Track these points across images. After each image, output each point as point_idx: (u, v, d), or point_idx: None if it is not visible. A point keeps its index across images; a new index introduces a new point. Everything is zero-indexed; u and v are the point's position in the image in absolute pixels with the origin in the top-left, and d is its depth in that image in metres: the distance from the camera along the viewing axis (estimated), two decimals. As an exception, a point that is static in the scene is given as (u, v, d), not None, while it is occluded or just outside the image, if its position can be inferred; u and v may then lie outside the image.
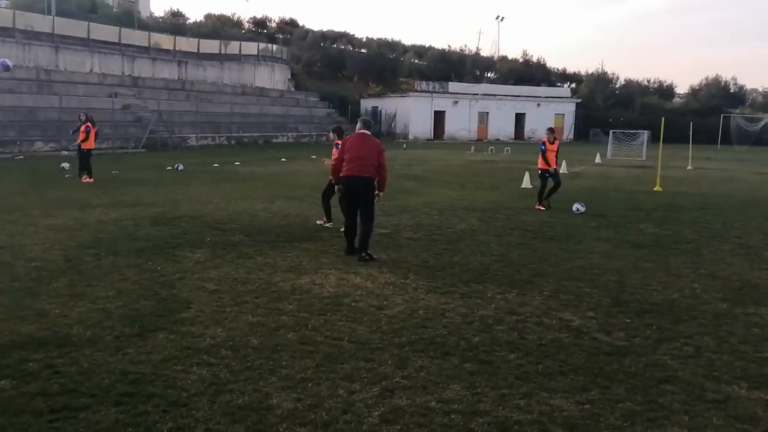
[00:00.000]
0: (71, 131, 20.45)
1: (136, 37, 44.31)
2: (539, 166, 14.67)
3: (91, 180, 17.73)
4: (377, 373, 4.98)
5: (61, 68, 36.95)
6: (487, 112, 61.06)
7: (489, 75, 76.96)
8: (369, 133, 9.31)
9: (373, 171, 8.86)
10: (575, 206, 13.95)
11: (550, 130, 15.09)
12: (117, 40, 41.62)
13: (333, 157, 11.57)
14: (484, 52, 79.82)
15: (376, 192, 9.09)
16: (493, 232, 11.41)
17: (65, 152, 28.64)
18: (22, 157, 26.25)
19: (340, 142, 11.64)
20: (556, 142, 14.81)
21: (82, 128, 18.24)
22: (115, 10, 60.61)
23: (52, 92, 32.52)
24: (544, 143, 14.56)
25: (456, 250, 9.79)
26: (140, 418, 4.17)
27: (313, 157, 30.26)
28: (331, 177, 9.37)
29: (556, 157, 14.78)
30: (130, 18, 52.49)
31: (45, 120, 30.69)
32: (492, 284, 7.76)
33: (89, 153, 18.14)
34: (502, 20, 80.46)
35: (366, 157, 8.85)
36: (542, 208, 14.24)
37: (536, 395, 4.67)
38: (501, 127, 60.87)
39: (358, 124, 9.47)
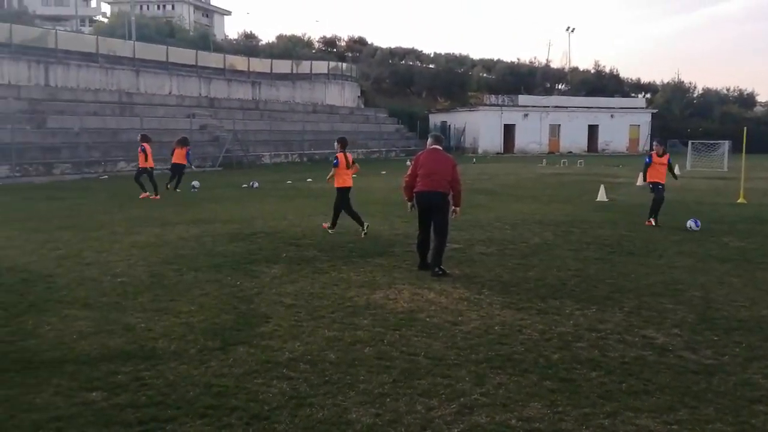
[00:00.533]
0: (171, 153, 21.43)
1: (212, 59, 45.87)
2: (648, 179, 13.95)
3: (147, 195, 18.44)
4: (455, 389, 4.95)
5: (142, 91, 38.56)
6: (559, 125, 60.11)
7: (560, 87, 75.93)
8: (440, 148, 9.31)
9: (446, 186, 8.86)
10: (689, 223, 13.05)
11: (659, 142, 14.39)
12: (194, 63, 43.17)
13: (333, 173, 12.22)
14: (555, 64, 78.90)
15: (453, 208, 9.08)
16: (568, 246, 11.19)
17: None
18: (106, 176, 27.47)
19: (339, 155, 12.11)
20: (666, 156, 13.85)
21: (139, 149, 19.16)
22: (191, 33, 63.04)
23: (134, 114, 33.95)
24: (650, 156, 13.91)
25: (530, 265, 9.64)
26: (225, 430, 4.27)
27: (383, 172, 30.49)
28: (405, 195, 9.34)
29: (671, 170, 13.91)
30: (206, 41, 54.46)
31: (127, 141, 31.94)
32: (570, 300, 7.60)
33: (144, 171, 18.93)
34: (572, 31, 79.20)
35: (439, 172, 8.86)
36: (652, 223, 13.54)
37: (621, 415, 4.53)
38: (573, 139, 59.79)
39: (429, 140, 9.49)
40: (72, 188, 22.12)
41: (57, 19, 74.68)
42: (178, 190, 20.84)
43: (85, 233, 12.08)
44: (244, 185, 23.10)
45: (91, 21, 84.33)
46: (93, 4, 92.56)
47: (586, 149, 60.13)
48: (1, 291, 7.76)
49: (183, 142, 21.25)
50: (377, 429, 4.29)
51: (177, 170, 20.95)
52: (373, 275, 8.87)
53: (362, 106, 58.00)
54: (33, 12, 71.25)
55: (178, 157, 20.95)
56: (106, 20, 76.20)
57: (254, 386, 4.99)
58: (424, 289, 8.06)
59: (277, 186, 23.40)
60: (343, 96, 54.95)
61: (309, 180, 25.88)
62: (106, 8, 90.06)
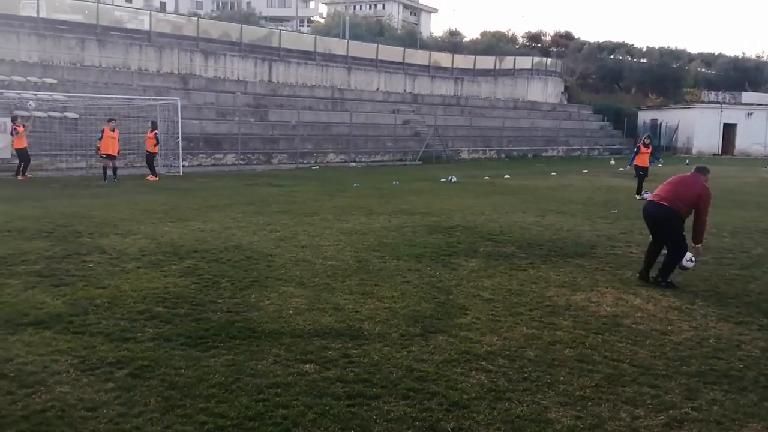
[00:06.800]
0: None
1: (417, 56, 47.03)
2: None
3: None
4: (663, 401, 4.70)
5: (353, 87, 40.58)
6: (789, 125, 53.78)
7: (792, 83, 67.95)
8: (701, 176, 8.38)
9: (676, 203, 8.09)
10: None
11: None
12: (401, 60, 44.57)
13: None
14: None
15: (693, 246, 8.23)
16: (798, 260, 10.06)
17: (353, 163, 31.46)
18: (317, 167, 29.35)
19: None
20: None
21: None
22: (399, 32, 65.18)
23: (344, 109, 35.86)
24: None
25: (752, 276, 8.82)
26: (425, 414, 4.43)
27: (585, 171, 29.40)
28: None
29: None
30: (412, 39, 56.02)
31: (337, 134, 33.94)
32: (799, 319, 6.86)
33: None
34: (812, 20, 70.46)
35: (677, 189, 8.23)
36: None
37: None
38: (806, 141, 53.18)
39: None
40: (287, 176, 23.91)
41: (279, 20, 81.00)
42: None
43: (300, 218, 13.04)
44: (443, 179, 23.46)
45: (309, 21, 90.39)
46: (312, 5, 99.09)
47: (822, 153, 53.22)
48: (229, 266, 8.65)
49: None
50: None
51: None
52: (573, 276, 8.64)
53: (565, 102, 56.28)
54: (259, 13, 77.88)
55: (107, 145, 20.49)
56: (322, 20, 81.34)
57: (453, 375, 5.12)
58: (629, 294, 7.71)
59: (475, 181, 23.49)
60: (546, 92, 53.69)
61: (507, 177, 25.69)
62: (323, 9, 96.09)
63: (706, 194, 8.09)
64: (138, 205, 14.41)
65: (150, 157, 21.41)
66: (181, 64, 33.93)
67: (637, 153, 19.90)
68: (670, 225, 8.15)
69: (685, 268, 8.35)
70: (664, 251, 8.38)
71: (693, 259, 8.25)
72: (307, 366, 5.25)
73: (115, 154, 19.77)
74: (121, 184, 19.12)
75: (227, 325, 6.19)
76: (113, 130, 19.72)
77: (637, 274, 8.55)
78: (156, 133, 21.45)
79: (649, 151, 19.77)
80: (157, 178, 20.95)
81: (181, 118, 24.46)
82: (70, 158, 23.50)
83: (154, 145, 21.39)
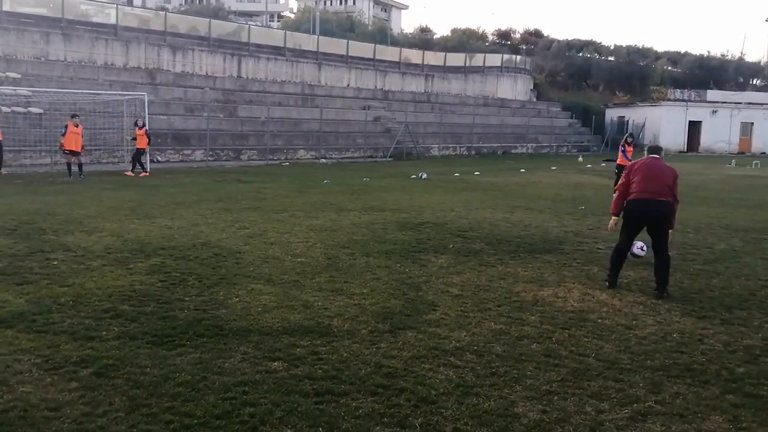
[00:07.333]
0: None
1: (388, 53, 47.12)
2: None
3: None
4: (628, 394, 4.78)
5: (323, 83, 40.44)
6: (752, 123, 55.01)
7: (755, 82, 69.52)
8: (659, 157, 8.05)
9: (669, 195, 7.67)
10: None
11: None
12: (371, 57, 44.56)
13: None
14: (750, 58, 72.43)
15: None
16: (759, 254, 10.29)
17: (323, 160, 31.37)
18: (288, 163, 29.20)
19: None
20: None
21: None
22: (370, 28, 65.13)
23: (314, 105, 35.72)
24: None
25: (715, 272, 9.00)
26: (394, 410, 4.44)
27: (553, 168, 29.72)
28: (613, 208, 8.15)
29: None
30: (383, 35, 55.97)
31: (307, 130, 33.79)
32: (759, 312, 7.03)
33: None
34: (773, 21, 71.98)
35: (661, 180, 7.72)
36: None
37: (816, 441, 4.15)
38: (768, 139, 54.48)
39: (646, 152, 8.24)
40: (257, 173, 23.74)
41: (249, 15, 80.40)
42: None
43: (269, 215, 12.96)
44: (413, 176, 23.53)
45: (279, 16, 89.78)
46: (282, 0, 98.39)
47: (784, 150, 54.53)
48: (197, 264, 8.57)
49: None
50: (544, 426, 4.26)
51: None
52: (541, 272, 8.73)
53: (534, 100, 56.81)
54: (228, 8, 77.08)
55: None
56: (292, 16, 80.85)
57: (422, 371, 5.14)
58: (595, 290, 7.81)
59: (445, 178, 23.58)
60: (515, 89, 54.16)
61: (476, 173, 25.84)
62: (293, 4, 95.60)
63: (677, 176, 7.81)
64: (104, 201, 14.19)
65: (139, 153, 21.52)
66: (148, 58, 33.47)
67: (624, 152, 20.26)
68: (668, 220, 7.74)
69: (638, 256, 8.76)
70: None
71: (644, 247, 8.56)
72: (275, 364, 5.22)
73: (78, 150, 19.39)
74: (87, 180, 18.81)
75: (194, 323, 6.13)
76: (77, 126, 19.39)
77: (606, 283, 8.02)
78: (146, 130, 21.51)
79: (632, 149, 20.12)
80: (147, 173, 21.47)
81: (149, 114, 24.09)
82: (34, 154, 23.02)
83: (147, 143, 21.66)
